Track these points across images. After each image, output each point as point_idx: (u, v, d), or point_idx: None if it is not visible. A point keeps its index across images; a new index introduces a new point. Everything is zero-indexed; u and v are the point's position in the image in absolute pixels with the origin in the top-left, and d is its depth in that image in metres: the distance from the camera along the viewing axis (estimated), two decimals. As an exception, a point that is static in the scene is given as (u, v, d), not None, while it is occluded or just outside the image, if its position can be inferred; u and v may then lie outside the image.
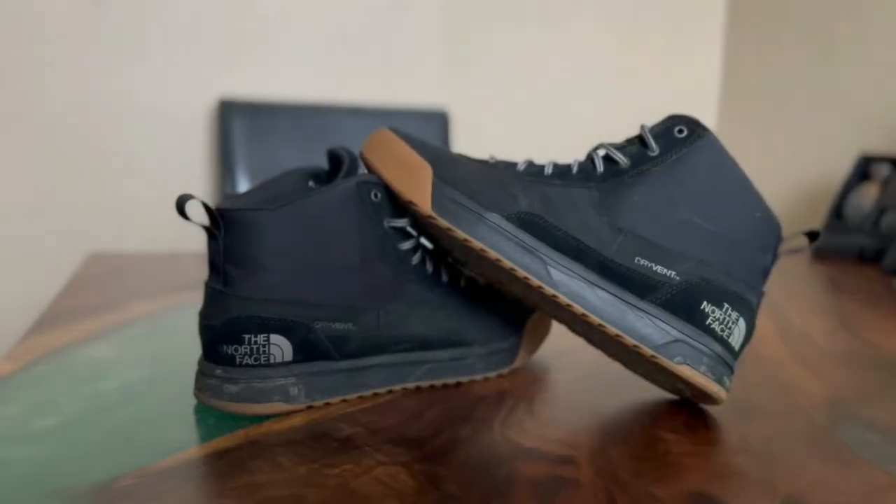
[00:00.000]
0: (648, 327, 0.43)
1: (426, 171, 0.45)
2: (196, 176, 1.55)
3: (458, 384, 0.50)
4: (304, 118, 1.52)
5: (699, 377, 0.43)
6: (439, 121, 1.62)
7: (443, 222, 0.44)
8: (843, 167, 1.55)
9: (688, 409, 0.46)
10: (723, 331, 0.44)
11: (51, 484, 0.34)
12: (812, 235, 0.47)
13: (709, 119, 1.88)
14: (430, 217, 0.44)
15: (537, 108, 1.79)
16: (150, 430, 0.41)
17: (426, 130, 1.59)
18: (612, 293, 0.43)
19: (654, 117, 0.50)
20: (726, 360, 0.44)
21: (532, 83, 1.79)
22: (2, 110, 1.44)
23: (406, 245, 0.47)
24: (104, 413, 0.43)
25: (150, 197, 1.47)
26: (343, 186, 0.45)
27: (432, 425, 0.42)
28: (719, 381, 0.44)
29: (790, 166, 1.73)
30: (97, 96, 1.48)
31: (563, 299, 0.43)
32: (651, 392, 0.49)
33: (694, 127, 0.45)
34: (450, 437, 0.41)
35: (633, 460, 0.38)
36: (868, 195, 1.31)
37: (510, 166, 0.47)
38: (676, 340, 0.43)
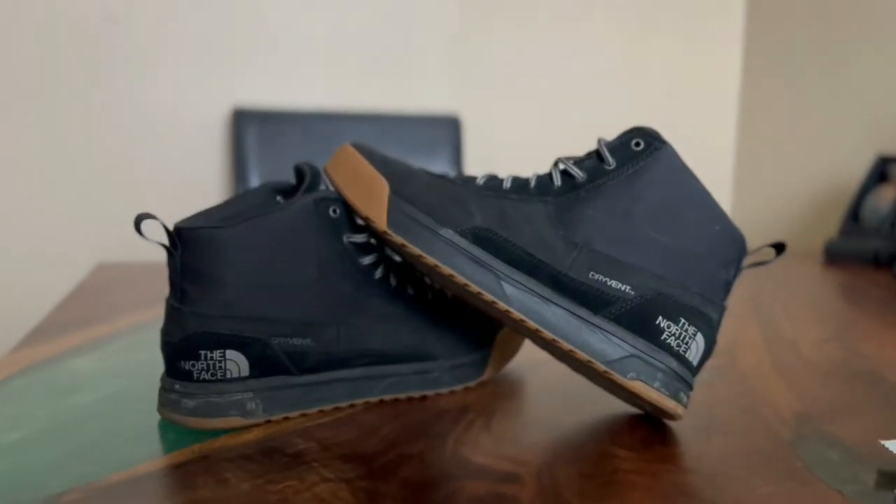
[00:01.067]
0: (602, 343, 0.42)
1: (382, 187, 0.45)
2: (210, 183, 1.57)
3: (424, 398, 0.50)
4: (317, 125, 1.54)
5: (653, 393, 0.42)
6: (451, 127, 1.62)
7: (397, 238, 0.44)
8: (860, 168, 1.52)
9: (648, 425, 0.46)
10: (679, 346, 0.43)
11: (8, 496, 0.35)
12: (778, 247, 0.47)
13: (727, 120, 1.85)
14: (385, 233, 0.44)
15: (550, 112, 1.79)
16: (111, 444, 0.42)
17: (438, 137, 1.60)
18: (565, 308, 0.43)
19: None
20: (683, 375, 0.43)
21: (544, 87, 1.79)
22: (18, 120, 1.48)
23: (367, 259, 0.47)
24: (71, 428, 0.44)
25: (165, 206, 1.50)
26: (300, 203, 0.45)
27: (386, 441, 0.43)
28: (675, 397, 0.43)
29: (807, 167, 1.70)
30: (112, 106, 1.51)
31: (516, 314, 0.43)
32: (615, 407, 0.49)
33: (651, 140, 0.44)
34: (400, 453, 0.41)
35: (580, 479, 0.38)
36: (885, 197, 1.28)
37: (469, 181, 0.47)
38: (630, 356, 0.42)
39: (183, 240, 0.43)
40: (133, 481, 0.37)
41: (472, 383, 0.52)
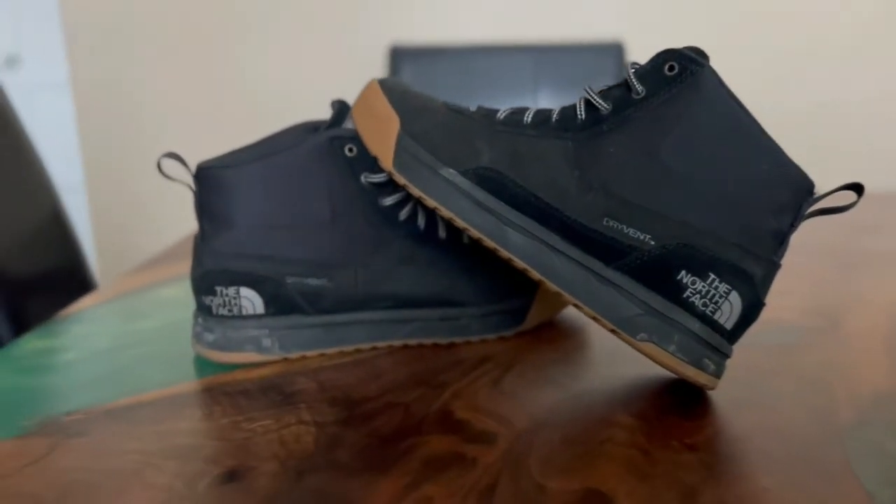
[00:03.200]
0: (612, 297, 0.38)
1: (393, 124, 0.43)
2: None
3: (452, 345, 0.48)
4: (473, 60, 1.51)
5: (667, 357, 0.37)
6: (613, 55, 1.51)
7: (401, 178, 0.42)
8: None
9: (678, 394, 0.40)
10: (705, 305, 0.37)
11: (23, 412, 0.39)
12: (856, 188, 0.38)
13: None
14: (390, 172, 0.42)
15: (728, 35, 1.60)
16: (140, 370, 0.45)
17: (599, 66, 1.50)
18: (573, 258, 0.38)
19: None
20: (709, 340, 0.37)
21: (720, 7, 1.60)
22: (191, 63, 1.60)
23: (389, 200, 0.46)
24: (116, 351, 0.48)
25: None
26: (312, 142, 0.44)
27: (384, 387, 0.42)
28: (696, 364, 0.37)
29: None
30: (272, 46, 1.59)
31: (519, 263, 0.39)
32: (653, 371, 0.43)
33: (687, 63, 0.37)
34: (390, 401, 0.40)
35: (560, 445, 0.35)
36: None
37: (489, 115, 0.43)
38: (644, 314, 0.37)
39: (199, 179, 0.44)
40: (133, 407, 0.40)
41: (508, 333, 0.49)
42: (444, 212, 0.40)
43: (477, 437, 0.36)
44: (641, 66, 0.39)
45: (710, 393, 0.40)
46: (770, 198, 0.37)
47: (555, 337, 0.49)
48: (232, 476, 0.33)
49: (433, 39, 1.56)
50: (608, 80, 1.50)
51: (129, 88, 1.68)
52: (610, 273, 0.38)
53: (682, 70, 0.37)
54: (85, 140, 1.71)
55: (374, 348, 0.47)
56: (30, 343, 0.50)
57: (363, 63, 1.60)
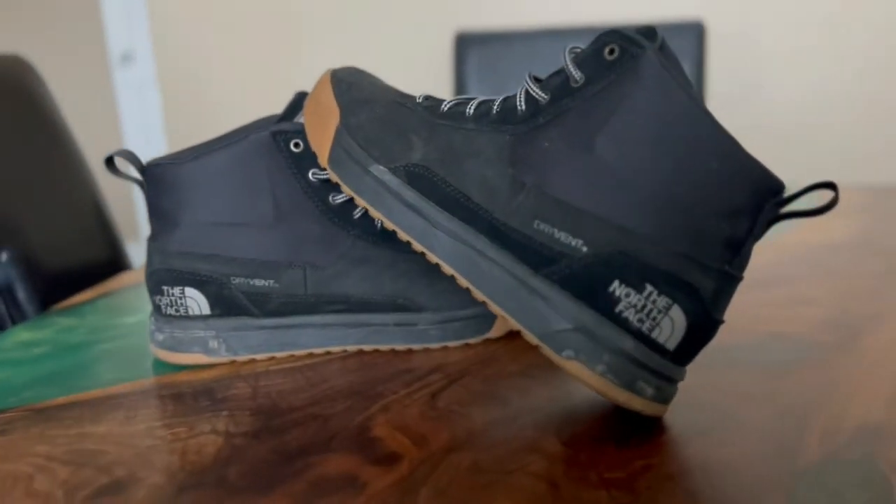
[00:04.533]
0: (539, 309, 0.34)
1: (333, 118, 0.40)
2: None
3: (410, 351, 0.45)
4: (541, 44, 1.46)
5: (594, 379, 0.33)
6: (692, 34, 1.42)
7: (334, 175, 0.39)
8: None
9: (631, 421, 0.36)
10: (641, 321, 0.32)
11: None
12: (830, 187, 0.32)
13: None
14: (325, 169, 0.40)
15: (820, 15, 1.47)
16: (93, 368, 0.45)
17: (675, 48, 1.41)
18: (501, 264, 0.35)
19: None
20: (646, 361, 0.33)
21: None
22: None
23: (340, 198, 0.43)
24: (89, 347, 0.48)
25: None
26: (252, 137, 0.42)
27: (316, 397, 0.39)
28: (629, 387, 0.33)
29: None
30: (340, 32, 1.60)
31: (447, 268, 0.36)
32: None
33: (627, 45, 0.33)
34: (313, 412, 0.38)
35: (462, 474, 0.31)
36: None
37: (433, 107, 0.39)
38: (572, 329, 0.33)
39: (146, 175, 0.43)
40: (66, 406, 0.40)
41: (472, 340, 0.45)
42: (373, 212, 0.38)
43: (381, 459, 0.33)
44: (581, 51, 0.34)
45: (668, 420, 0.36)
46: (721, 200, 0.32)
47: (522, 348, 0.45)
48: (115, 488, 0.32)
49: (500, 25, 1.52)
50: (686, 63, 1.41)
51: (209, 83, 1.73)
52: (537, 282, 0.34)
53: (622, 54, 0.33)
54: (170, 135, 1.79)
55: (328, 353, 0.45)
56: (15, 335, 0.51)
57: (430, 51, 1.58)
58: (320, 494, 0.30)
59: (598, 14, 1.52)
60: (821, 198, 0.82)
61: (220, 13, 1.68)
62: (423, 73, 1.59)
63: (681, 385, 0.38)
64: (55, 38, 2.45)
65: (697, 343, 0.33)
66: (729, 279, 0.32)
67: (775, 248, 0.64)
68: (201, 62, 1.72)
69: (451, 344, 0.45)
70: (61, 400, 0.41)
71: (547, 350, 0.34)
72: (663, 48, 0.34)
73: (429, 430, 0.35)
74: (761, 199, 0.32)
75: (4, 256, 0.71)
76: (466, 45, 1.49)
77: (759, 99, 1.50)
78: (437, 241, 0.36)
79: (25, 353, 0.48)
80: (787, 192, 0.31)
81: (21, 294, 0.71)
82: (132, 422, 0.38)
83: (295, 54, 1.65)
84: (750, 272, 0.57)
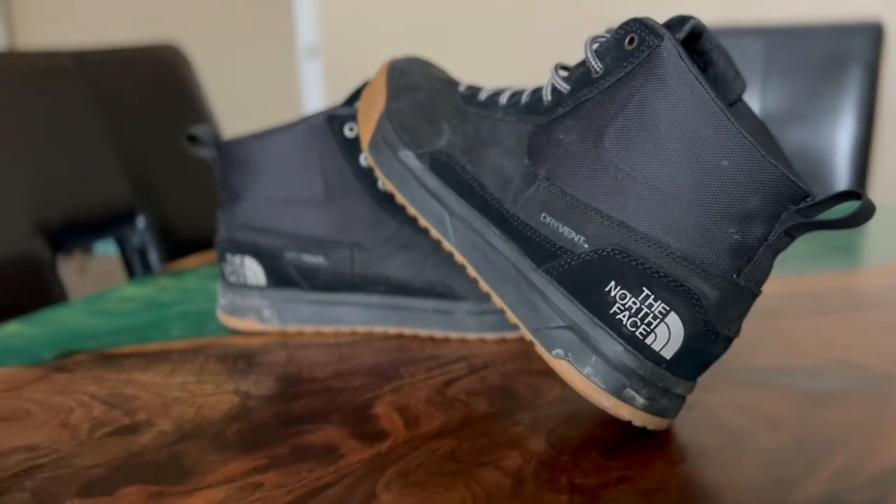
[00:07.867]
0: (536, 304, 0.33)
1: (380, 105, 0.41)
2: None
3: (448, 339, 0.45)
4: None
5: (580, 381, 0.31)
6: (869, 36, 1.29)
7: (371, 159, 0.40)
8: None
9: (638, 434, 0.34)
10: (635, 326, 0.31)
11: (48, 346, 0.46)
12: (852, 196, 0.29)
13: None
14: (367, 154, 0.41)
15: None
16: (169, 323, 0.50)
17: (848, 50, 1.29)
18: (507, 256, 0.34)
19: None
20: (636, 368, 0.31)
21: None
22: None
23: (388, 183, 0.44)
24: (173, 306, 0.53)
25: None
26: (309, 122, 0.45)
27: (337, 371, 0.41)
28: (616, 394, 0.31)
29: None
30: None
31: (458, 257, 0.36)
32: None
33: (646, 34, 0.31)
34: (327, 386, 0.39)
35: (435, 459, 0.31)
36: None
37: (471, 96, 0.40)
38: (564, 327, 0.32)
39: (219, 152, 0.47)
40: (129, 356, 0.44)
41: (509, 335, 0.45)
42: (399, 197, 0.38)
43: (367, 436, 0.34)
44: (603, 40, 0.33)
45: (670, 435, 0.33)
46: (730, 202, 0.29)
47: (560, 346, 0.44)
48: (130, 429, 0.35)
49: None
50: (858, 69, 1.28)
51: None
52: (538, 276, 0.33)
53: (640, 44, 0.31)
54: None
55: (370, 332, 0.47)
56: (121, 290, 0.58)
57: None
58: (296, 460, 0.32)
59: (754, 12, 1.42)
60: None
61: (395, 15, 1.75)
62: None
63: (698, 401, 0.35)
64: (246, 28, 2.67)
65: (698, 356, 0.31)
66: (737, 290, 0.30)
67: (888, 273, 0.57)
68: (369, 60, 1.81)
69: (487, 336, 0.45)
70: (127, 349, 0.45)
71: (539, 347, 0.33)
72: (695, 39, 0.32)
73: (425, 415, 0.36)
74: (779, 206, 0.29)
75: (142, 222, 0.80)
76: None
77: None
78: (453, 229, 0.36)
79: (121, 306, 0.54)
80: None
81: (153, 256, 0.80)
82: (173, 374, 0.41)
83: (456, 56, 1.69)
84: (837, 294, 0.52)
